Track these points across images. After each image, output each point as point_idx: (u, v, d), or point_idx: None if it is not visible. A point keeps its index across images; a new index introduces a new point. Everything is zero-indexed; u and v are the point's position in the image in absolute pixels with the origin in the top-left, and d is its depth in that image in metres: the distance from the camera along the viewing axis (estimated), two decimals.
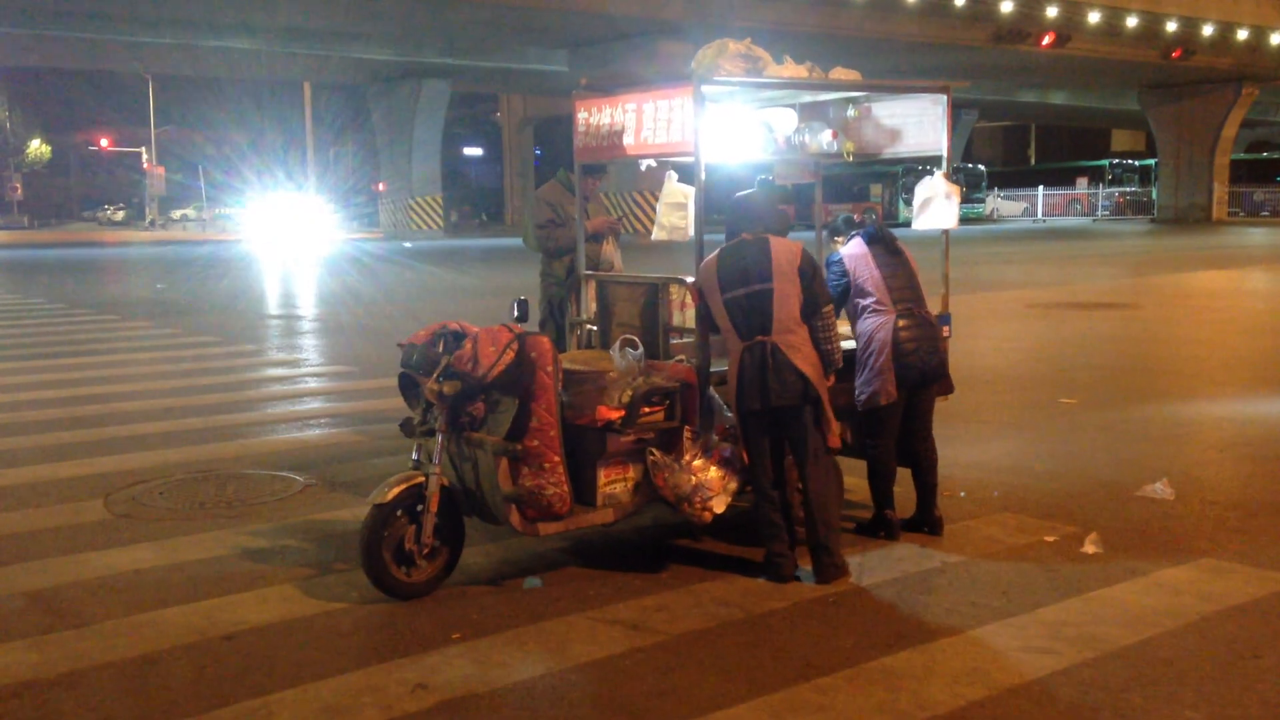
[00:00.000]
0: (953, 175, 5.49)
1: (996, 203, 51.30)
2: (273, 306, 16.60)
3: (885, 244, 5.06)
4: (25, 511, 5.66)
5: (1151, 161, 50.24)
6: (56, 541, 5.17)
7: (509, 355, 4.39)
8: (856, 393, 4.99)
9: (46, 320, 14.44)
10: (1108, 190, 51.02)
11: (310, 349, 11.61)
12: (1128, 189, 51.16)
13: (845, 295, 5.04)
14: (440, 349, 4.46)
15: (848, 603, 4.33)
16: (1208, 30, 37.15)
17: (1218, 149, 44.83)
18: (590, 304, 5.47)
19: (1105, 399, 8.50)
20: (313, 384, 9.58)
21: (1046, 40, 34.81)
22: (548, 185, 6.58)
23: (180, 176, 58.03)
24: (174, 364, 10.57)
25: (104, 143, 61.75)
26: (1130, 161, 53.62)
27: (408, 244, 34.07)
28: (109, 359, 10.93)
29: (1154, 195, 48.38)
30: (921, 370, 4.98)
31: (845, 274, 5.02)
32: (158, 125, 55.12)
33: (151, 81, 51.40)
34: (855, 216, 5.39)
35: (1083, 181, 51.72)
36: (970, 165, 49.21)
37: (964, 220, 33.87)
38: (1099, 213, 50.07)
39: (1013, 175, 56.56)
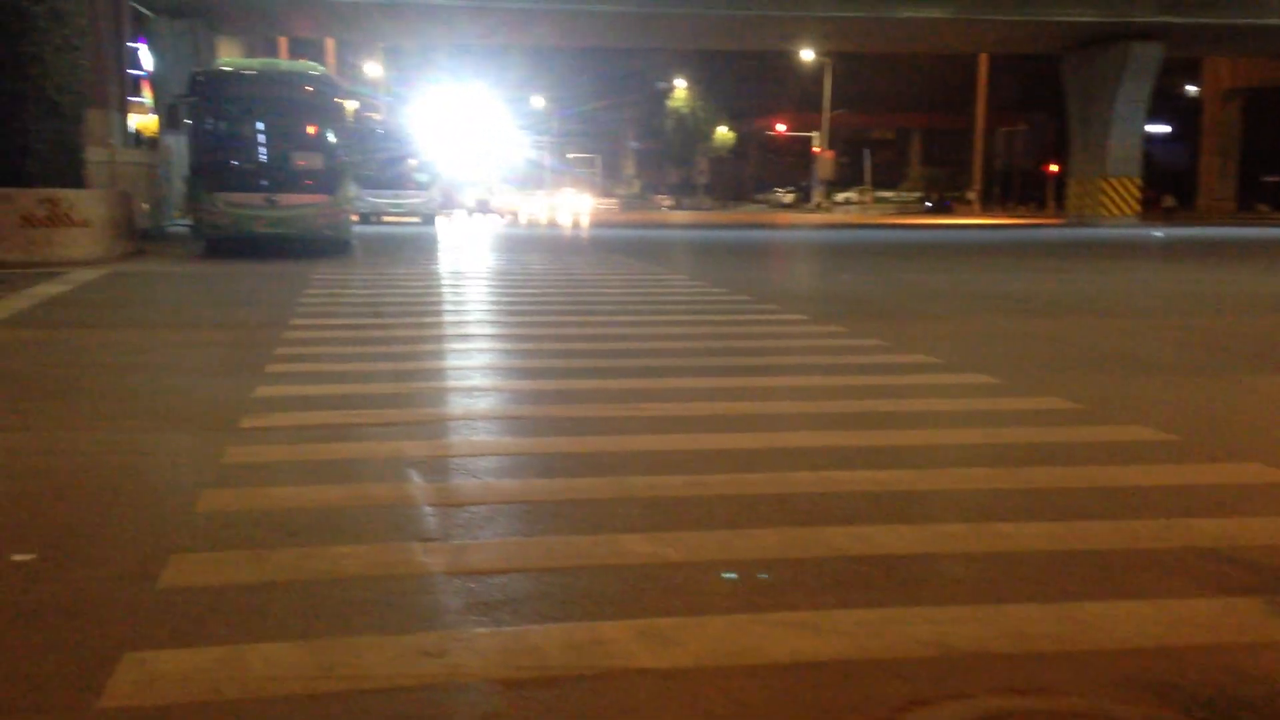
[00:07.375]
0: None
1: None
2: (1006, 308, 13.33)
3: None
4: None
5: None
6: None
7: None
8: None
9: (728, 318, 12.58)
10: None
11: (1071, 383, 7.95)
12: None
13: None
14: None
15: None
16: None
17: None
18: None
19: None
20: (1120, 458, 5.92)
21: None
22: None
23: (846, 159, 58.14)
24: (894, 397, 7.62)
25: (780, 128, 64.12)
26: None
27: (1158, 233, 28.95)
28: (836, 381, 8.35)
29: None
30: None
31: None
32: (829, 109, 55.36)
33: (828, 64, 51.47)
34: None
35: None
36: None
37: None
38: None
39: None
